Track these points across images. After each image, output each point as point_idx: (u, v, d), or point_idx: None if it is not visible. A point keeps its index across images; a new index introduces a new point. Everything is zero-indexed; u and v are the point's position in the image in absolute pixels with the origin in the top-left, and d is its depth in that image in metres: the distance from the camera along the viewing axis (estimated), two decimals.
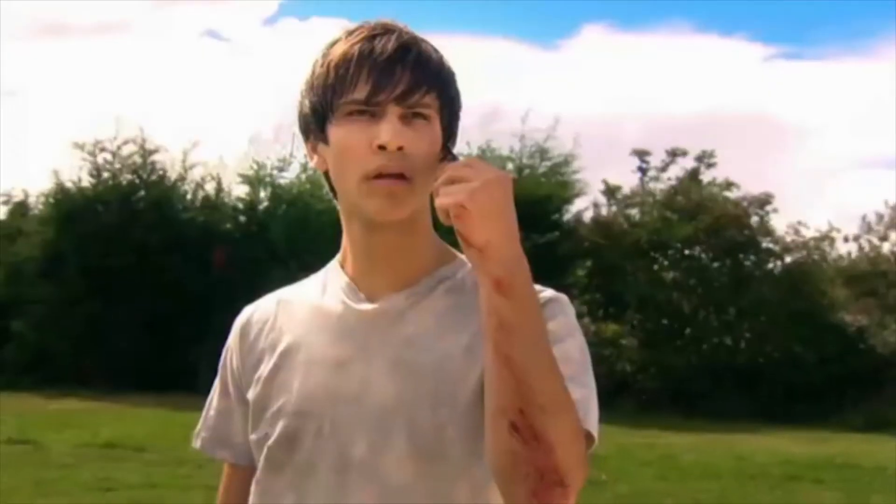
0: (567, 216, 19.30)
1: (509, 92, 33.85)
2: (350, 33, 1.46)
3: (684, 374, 17.29)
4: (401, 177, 1.41)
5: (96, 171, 19.95)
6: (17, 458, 10.10)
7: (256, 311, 1.62)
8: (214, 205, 20.61)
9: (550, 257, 17.61)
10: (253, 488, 1.54)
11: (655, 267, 18.71)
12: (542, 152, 19.29)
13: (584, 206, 19.61)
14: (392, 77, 1.40)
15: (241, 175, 20.32)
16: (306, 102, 1.49)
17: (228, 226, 20.14)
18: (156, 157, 20.21)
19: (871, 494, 8.98)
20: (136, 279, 18.46)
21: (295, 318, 1.56)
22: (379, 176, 1.41)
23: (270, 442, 1.49)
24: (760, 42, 46.66)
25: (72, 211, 19.32)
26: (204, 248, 18.84)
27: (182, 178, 20.59)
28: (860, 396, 15.90)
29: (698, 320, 18.59)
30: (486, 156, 19.11)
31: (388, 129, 1.39)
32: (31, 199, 21.57)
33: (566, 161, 19.18)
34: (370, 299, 1.50)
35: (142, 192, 19.97)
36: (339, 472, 1.44)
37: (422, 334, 1.47)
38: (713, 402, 16.20)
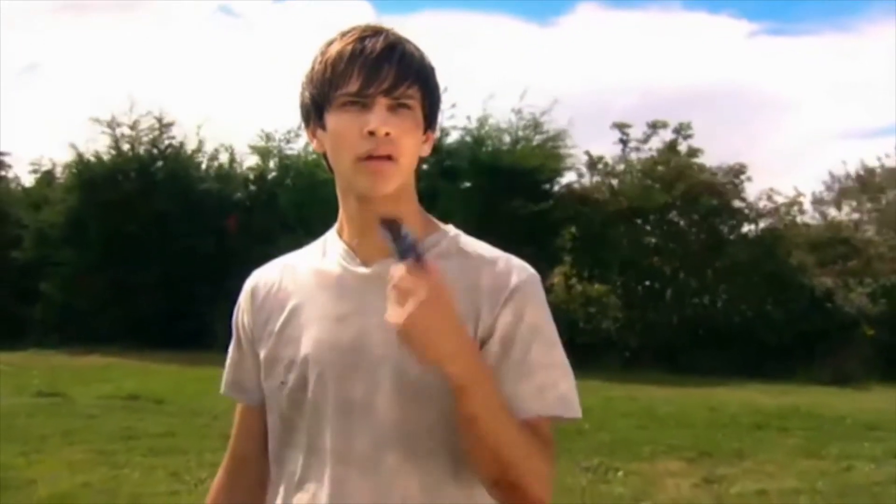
0: (557, 186, 19.34)
1: (508, 67, 33.75)
2: (344, 34, 1.60)
3: (665, 332, 17.35)
4: (388, 158, 1.55)
5: (115, 144, 19.97)
6: (47, 409, 10.23)
7: (264, 275, 1.76)
8: (227, 175, 20.61)
9: (542, 223, 17.72)
10: (276, 429, 1.68)
11: (637, 232, 18.72)
12: (537, 126, 19.26)
13: (573, 177, 19.66)
14: (380, 73, 1.54)
15: (252, 147, 20.34)
16: (306, 94, 1.63)
17: (240, 195, 20.13)
18: (171, 130, 20.26)
19: (830, 441, 9.09)
20: (155, 244, 18.52)
21: (299, 280, 1.70)
22: (369, 157, 1.55)
23: (286, 388, 1.63)
24: (746, 19, 46.46)
25: (93, 180, 19.30)
26: (217, 216, 18.87)
27: (197, 150, 20.60)
28: (827, 353, 15.89)
29: (678, 282, 18.60)
30: (483, 129, 19.15)
31: (377, 118, 1.53)
32: (58, 169, 21.62)
33: (559, 135, 19.16)
34: (366, 263, 1.64)
35: (159, 164, 19.96)
36: (342, 411, 1.58)
37: None
38: (692, 358, 16.25)
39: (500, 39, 39.43)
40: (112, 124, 19.88)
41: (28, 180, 22.14)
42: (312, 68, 1.61)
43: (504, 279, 1.62)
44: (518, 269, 1.64)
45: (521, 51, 37.86)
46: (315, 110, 1.62)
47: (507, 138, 19.23)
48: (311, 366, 1.61)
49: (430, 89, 1.63)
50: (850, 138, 41.89)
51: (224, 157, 20.72)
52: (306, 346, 1.62)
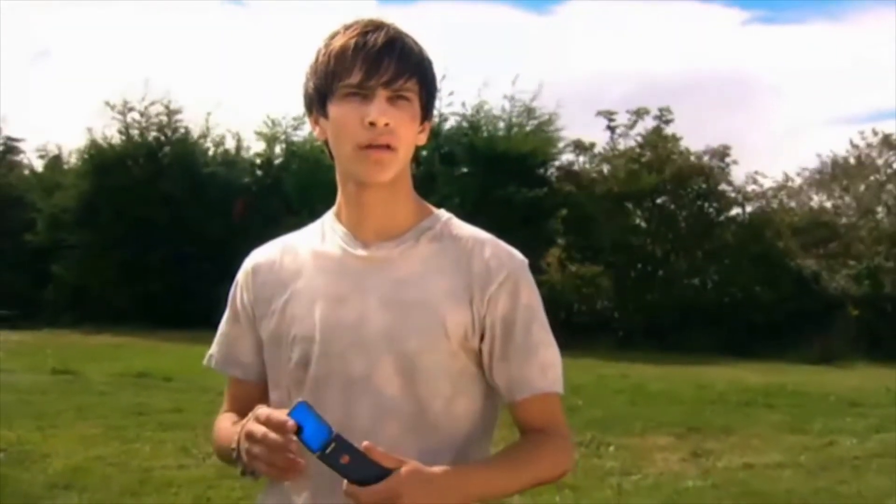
0: (550, 171, 19.34)
1: (505, 55, 33.68)
2: (347, 28, 1.62)
3: (657, 312, 17.37)
4: (387, 147, 1.58)
5: (125, 129, 19.96)
6: (61, 386, 10.27)
7: (264, 255, 1.76)
8: (234, 160, 20.62)
9: (536, 207, 17.73)
10: (280, 403, 1.65)
11: (628, 215, 18.72)
12: (530, 112, 19.28)
13: (564, 162, 19.68)
14: (381, 66, 1.57)
15: (258, 133, 20.33)
16: (310, 84, 1.65)
17: (247, 179, 20.13)
18: (180, 117, 20.25)
19: (814, 417, 9.13)
20: (164, 227, 18.54)
21: (299, 260, 1.71)
22: (369, 146, 1.58)
23: (291, 365, 1.65)
24: (738, 7, 46.22)
25: (104, 165, 19.32)
26: (224, 199, 18.87)
27: (204, 136, 20.60)
28: (812, 333, 15.90)
29: (669, 264, 18.64)
30: (479, 115, 19.16)
31: (377, 109, 1.56)
32: (65, 154, 21.61)
33: (550, 120, 19.18)
34: (364, 246, 1.66)
35: (167, 149, 19.96)
36: (344, 386, 1.61)
37: (410, 277, 1.64)
38: (682, 338, 16.29)
39: (499, 28, 39.32)
40: (123, 110, 19.89)
41: (39, 165, 22.16)
42: (316, 60, 1.63)
43: (496, 263, 1.66)
44: (508, 254, 1.68)
45: (518, 39, 37.76)
46: (318, 100, 1.64)
47: (501, 124, 19.24)
48: (313, 343, 1.63)
49: (428, 82, 1.65)
50: (838, 124, 41.86)
51: (231, 143, 20.76)
52: (309, 324, 1.64)
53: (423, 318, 1.61)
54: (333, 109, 1.61)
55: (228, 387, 1.83)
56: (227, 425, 1.73)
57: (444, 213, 1.73)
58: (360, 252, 1.66)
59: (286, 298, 1.68)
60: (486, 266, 1.65)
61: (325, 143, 1.68)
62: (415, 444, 1.60)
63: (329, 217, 1.74)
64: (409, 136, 1.62)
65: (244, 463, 1.55)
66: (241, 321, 1.77)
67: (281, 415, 1.46)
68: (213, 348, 1.82)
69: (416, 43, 1.65)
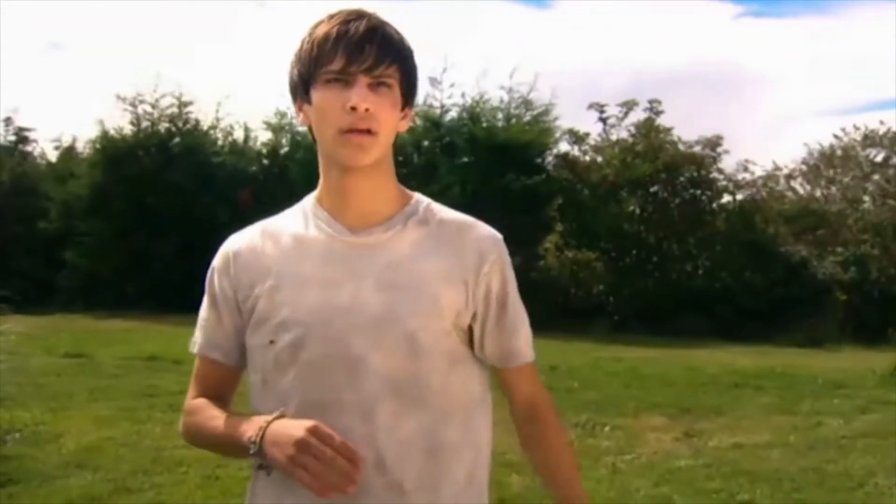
0: (548, 159, 19.33)
1: (505, 49, 33.67)
2: (331, 17, 1.63)
3: (650, 297, 17.38)
4: (368, 132, 1.59)
5: (137, 121, 19.96)
6: (73, 369, 10.30)
7: (244, 240, 1.76)
8: (242, 150, 20.61)
9: (534, 195, 17.73)
10: (258, 385, 1.68)
11: (622, 203, 18.71)
12: (527, 103, 19.27)
13: (560, 151, 19.68)
14: (362, 53, 1.58)
15: (266, 123, 20.32)
16: (295, 71, 1.66)
17: (254, 168, 20.12)
18: (191, 108, 20.23)
19: (802, 399, 9.13)
20: (173, 215, 18.54)
21: (282, 245, 1.70)
22: (350, 131, 1.59)
23: (278, 347, 1.63)
24: (730, 1, 46.11)
25: (116, 155, 19.32)
26: (232, 188, 18.85)
27: (213, 127, 20.59)
28: (801, 317, 15.92)
29: (662, 251, 18.63)
30: (479, 106, 19.15)
31: (358, 95, 1.57)
32: (79, 144, 21.62)
33: (546, 111, 19.18)
34: (351, 231, 1.67)
35: (177, 139, 19.96)
36: (342, 368, 1.60)
37: (401, 260, 1.65)
38: (675, 322, 16.30)
39: (500, 22, 39.27)
40: (134, 102, 19.88)
41: (52, 156, 22.16)
42: (301, 48, 1.65)
43: (486, 245, 1.71)
44: (493, 235, 1.73)
45: (518, 33, 37.73)
46: (302, 86, 1.65)
47: (500, 115, 19.23)
48: (307, 327, 1.62)
49: (409, 69, 1.66)
50: (829, 116, 41.84)
51: (239, 134, 20.76)
52: (300, 308, 1.63)
53: (418, 300, 1.63)
54: (316, 95, 1.62)
55: (201, 369, 1.80)
56: (214, 413, 1.71)
57: (422, 198, 1.75)
58: (349, 237, 1.66)
59: (272, 283, 1.66)
60: (477, 248, 1.69)
61: (309, 128, 1.69)
62: (416, 420, 1.62)
63: (310, 202, 1.74)
64: (389, 121, 1.63)
65: (269, 461, 1.55)
66: (221, 306, 1.74)
67: (348, 443, 1.49)
68: (197, 334, 1.79)
69: (397, 32, 1.66)
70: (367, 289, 1.62)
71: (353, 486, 1.47)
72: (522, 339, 1.77)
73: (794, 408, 8.73)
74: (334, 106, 1.59)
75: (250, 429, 1.57)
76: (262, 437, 1.55)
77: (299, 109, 1.69)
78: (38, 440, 6.86)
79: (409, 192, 1.75)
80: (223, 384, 1.77)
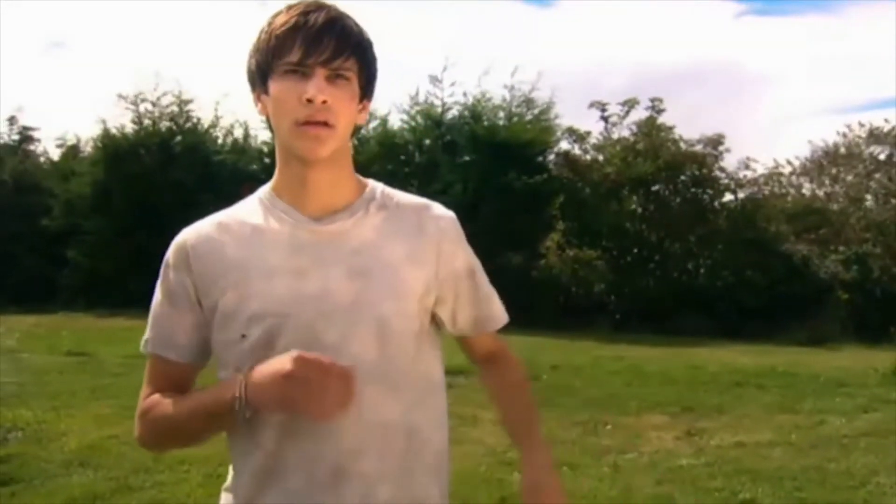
0: (549, 158, 19.32)
1: (508, 46, 33.69)
2: (290, 8, 1.62)
3: (652, 295, 17.37)
4: (325, 124, 1.58)
5: (138, 120, 19.98)
6: (75, 367, 10.29)
7: (200, 233, 1.69)
8: (242, 148, 20.64)
9: (535, 194, 17.72)
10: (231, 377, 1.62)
11: (623, 202, 18.70)
12: (529, 102, 19.28)
13: (562, 150, 19.67)
14: (320, 45, 1.57)
15: (266, 121, 20.31)
16: (253, 62, 1.65)
17: (254, 166, 20.09)
18: (191, 107, 20.26)
19: (804, 397, 9.12)
20: (174, 213, 18.51)
21: (241, 237, 1.66)
22: (307, 123, 1.58)
23: (251, 340, 1.60)
24: (733, 0, 46.08)
25: (118, 154, 19.38)
26: (233, 186, 18.66)
27: (214, 125, 20.62)
28: (803, 316, 15.91)
29: (663, 249, 18.61)
30: (480, 105, 19.15)
31: (315, 86, 1.56)
32: (81, 143, 21.64)
33: (547, 109, 19.18)
34: (315, 220, 1.65)
35: (178, 138, 19.99)
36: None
37: (366, 246, 1.64)
38: (676, 321, 16.29)
39: (501, 21, 39.27)
40: (136, 101, 19.91)
41: (55, 154, 22.20)
42: (259, 38, 1.63)
43: (444, 223, 1.74)
44: (449, 214, 1.77)
45: (520, 32, 37.72)
46: (260, 76, 1.64)
47: (501, 114, 19.23)
48: (278, 318, 1.60)
49: (367, 62, 1.65)
50: (831, 114, 41.84)
51: (239, 132, 20.77)
52: (270, 299, 1.61)
53: (388, 284, 1.64)
54: (274, 86, 1.60)
55: (155, 368, 1.73)
56: (177, 398, 1.66)
57: (377, 184, 1.76)
58: (314, 226, 1.65)
59: (238, 276, 1.63)
60: (437, 227, 1.72)
61: (267, 119, 1.67)
62: (394, 404, 1.63)
63: (266, 193, 1.72)
64: (347, 114, 1.62)
65: (259, 409, 1.52)
66: (179, 302, 1.69)
67: (333, 359, 1.49)
68: (148, 332, 1.73)
69: (356, 24, 1.65)
70: (336, 277, 1.62)
71: (351, 397, 1.49)
72: (496, 304, 1.83)
73: (795, 406, 8.72)
74: (291, 97, 1.58)
75: (227, 388, 1.55)
76: (245, 388, 1.52)
77: (257, 99, 1.68)
78: (40, 438, 6.86)
79: (363, 179, 1.75)
80: (180, 383, 1.72)
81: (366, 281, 1.62)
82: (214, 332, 1.66)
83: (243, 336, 1.61)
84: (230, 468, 1.73)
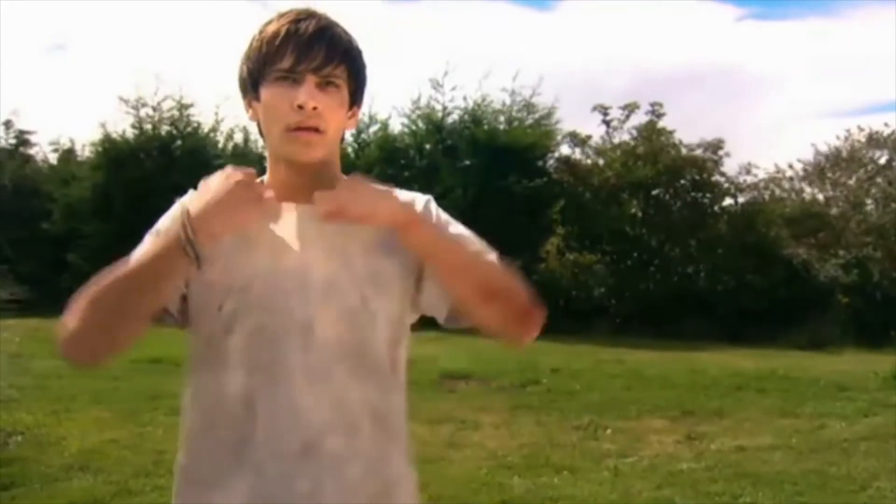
0: (550, 162, 19.33)
1: (508, 50, 33.72)
2: (281, 16, 1.65)
3: (652, 299, 17.37)
4: (315, 130, 1.62)
5: (139, 124, 20.00)
6: (75, 371, 10.18)
7: None
8: (243, 153, 20.58)
9: (536, 198, 17.73)
10: (201, 345, 1.66)
11: (624, 206, 18.71)
12: (529, 106, 19.27)
13: (562, 154, 19.69)
14: (311, 52, 1.60)
15: None
16: (244, 68, 1.69)
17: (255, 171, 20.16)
18: (192, 111, 20.27)
19: (805, 401, 9.13)
20: None
21: None
22: (298, 129, 1.61)
23: (226, 310, 1.62)
24: (732, 4, 46.08)
25: (118, 158, 19.41)
26: None
27: (214, 129, 20.63)
28: (803, 320, 15.90)
29: (663, 253, 18.61)
30: (481, 109, 19.16)
31: (306, 93, 1.60)
32: (77, 147, 21.65)
33: (549, 114, 19.18)
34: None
35: (179, 142, 20.02)
36: (290, 331, 1.61)
37: (348, 227, 1.63)
38: (677, 325, 16.26)
39: (501, 24, 39.31)
40: (136, 105, 19.93)
41: (52, 157, 22.21)
42: (250, 45, 1.66)
43: (411, 196, 1.75)
44: (421, 196, 1.77)
45: (520, 35, 37.76)
46: (251, 83, 1.67)
47: (502, 118, 19.23)
48: (255, 291, 1.62)
49: (357, 69, 1.69)
50: (832, 118, 41.87)
51: (239, 137, 20.78)
52: (247, 273, 1.63)
53: (366, 265, 1.65)
54: (265, 93, 1.64)
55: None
56: (118, 264, 1.62)
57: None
58: (301, 207, 1.66)
59: (222, 246, 1.61)
60: (406, 200, 1.71)
61: (258, 125, 1.71)
62: (365, 387, 1.64)
63: None
64: (337, 120, 1.65)
65: (207, 239, 1.53)
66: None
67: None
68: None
69: (346, 32, 1.68)
70: (314, 255, 1.64)
71: (261, 199, 1.57)
72: (477, 243, 1.75)
73: (796, 410, 8.72)
74: (282, 103, 1.61)
75: (170, 232, 1.56)
76: (188, 220, 1.53)
77: (248, 105, 1.71)
78: (40, 442, 6.86)
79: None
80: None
81: (344, 262, 1.64)
82: (193, 296, 1.66)
83: (220, 308, 1.63)
84: (181, 448, 1.74)
